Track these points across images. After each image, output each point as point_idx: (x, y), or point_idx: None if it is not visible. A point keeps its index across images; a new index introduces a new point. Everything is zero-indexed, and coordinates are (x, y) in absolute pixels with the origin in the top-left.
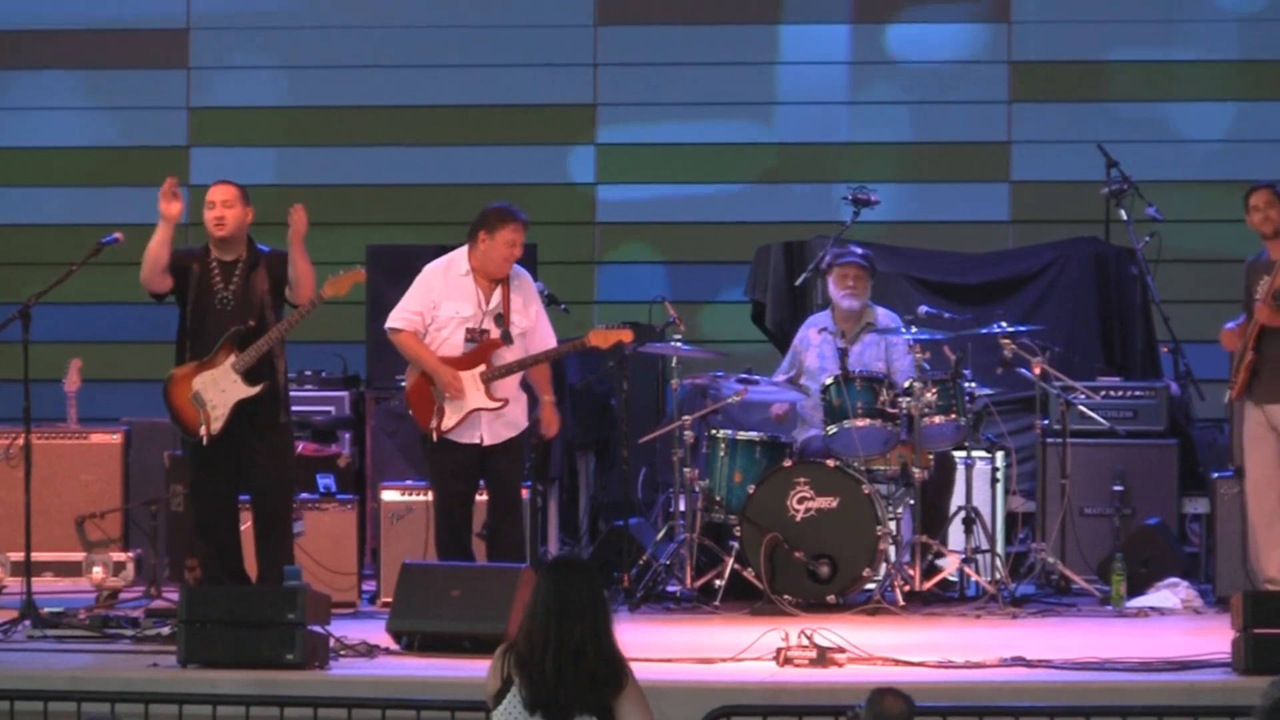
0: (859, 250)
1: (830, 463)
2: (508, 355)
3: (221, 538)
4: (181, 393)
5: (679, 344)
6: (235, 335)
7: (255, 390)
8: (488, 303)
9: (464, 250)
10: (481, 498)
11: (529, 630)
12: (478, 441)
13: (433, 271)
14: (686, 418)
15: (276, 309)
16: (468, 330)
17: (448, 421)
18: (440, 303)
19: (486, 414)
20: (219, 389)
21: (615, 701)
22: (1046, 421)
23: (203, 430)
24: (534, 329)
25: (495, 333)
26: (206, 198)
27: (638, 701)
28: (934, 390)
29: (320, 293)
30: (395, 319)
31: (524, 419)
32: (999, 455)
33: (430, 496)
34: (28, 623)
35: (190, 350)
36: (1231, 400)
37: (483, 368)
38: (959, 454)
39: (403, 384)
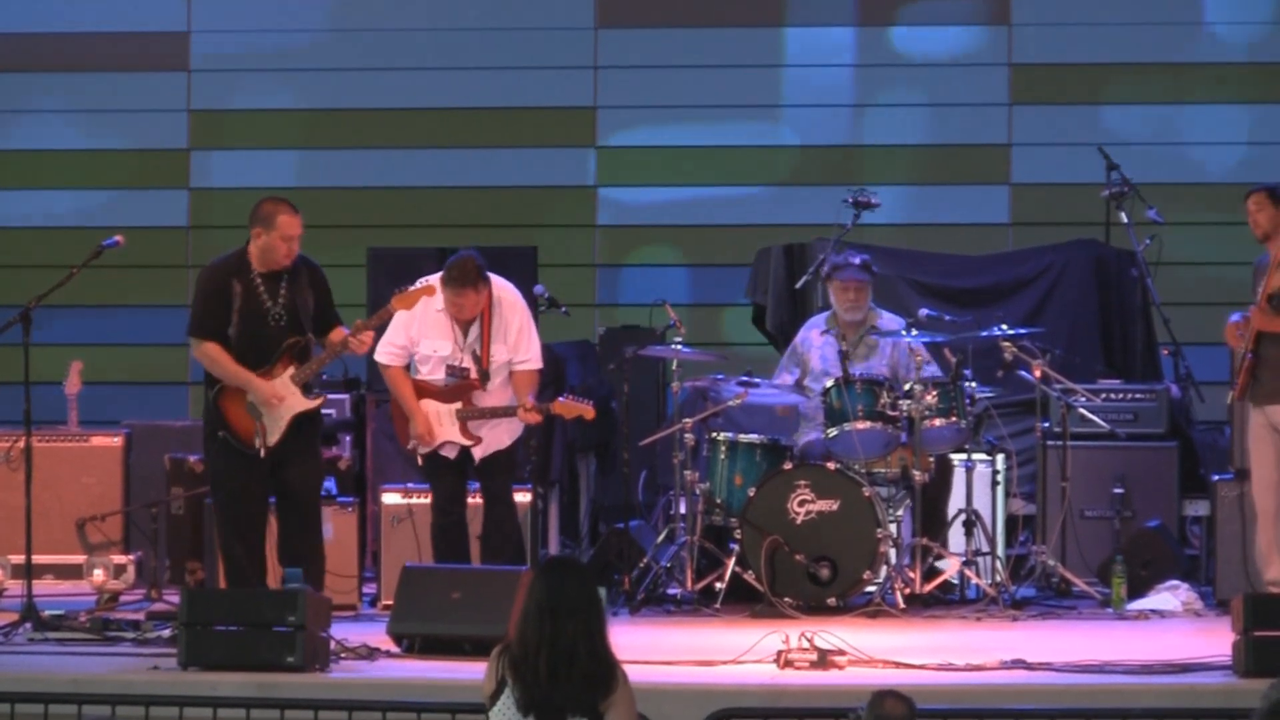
0: (856, 260)
1: (831, 465)
2: (487, 393)
3: (257, 539)
4: (238, 403)
5: (679, 347)
6: (294, 347)
7: (314, 404)
8: (465, 337)
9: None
10: (476, 500)
11: (523, 630)
12: (463, 457)
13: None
14: (687, 420)
15: (317, 323)
16: (448, 367)
17: (422, 449)
18: (419, 340)
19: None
20: (281, 404)
21: (606, 703)
22: (1047, 424)
23: (259, 442)
24: (515, 346)
25: (474, 371)
26: (288, 231)
27: (627, 706)
28: (934, 393)
29: (390, 306)
30: (380, 354)
31: (516, 430)
32: (999, 458)
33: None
34: (28, 625)
35: (245, 366)
36: (1234, 402)
37: (459, 405)
38: (959, 457)
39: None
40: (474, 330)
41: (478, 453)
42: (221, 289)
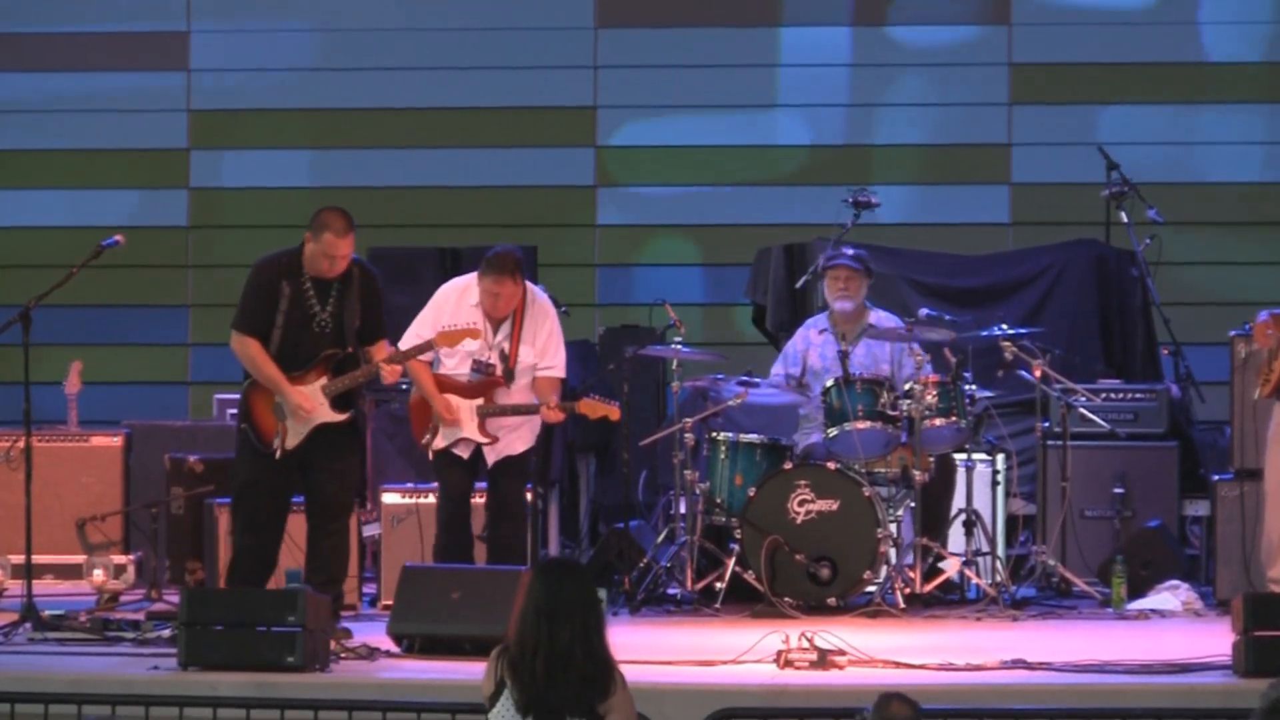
0: (849, 251)
1: (831, 465)
2: (510, 393)
3: (268, 536)
4: (265, 400)
5: (679, 346)
6: (330, 359)
7: (340, 418)
8: (494, 335)
9: (476, 284)
10: (481, 500)
11: (521, 632)
12: (477, 457)
13: (445, 295)
14: (687, 420)
15: (362, 334)
16: (474, 362)
17: (439, 442)
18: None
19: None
20: (308, 415)
21: (604, 705)
22: (1047, 424)
23: (277, 443)
24: (543, 352)
25: (499, 369)
26: (330, 250)
27: (626, 708)
28: (934, 393)
29: (432, 341)
30: (405, 343)
31: (530, 437)
32: (999, 458)
33: (434, 499)
34: (28, 625)
35: (281, 368)
36: (1264, 398)
37: (481, 401)
38: (959, 456)
39: (404, 387)
40: (504, 329)
41: (491, 455)
42: (270, 288)
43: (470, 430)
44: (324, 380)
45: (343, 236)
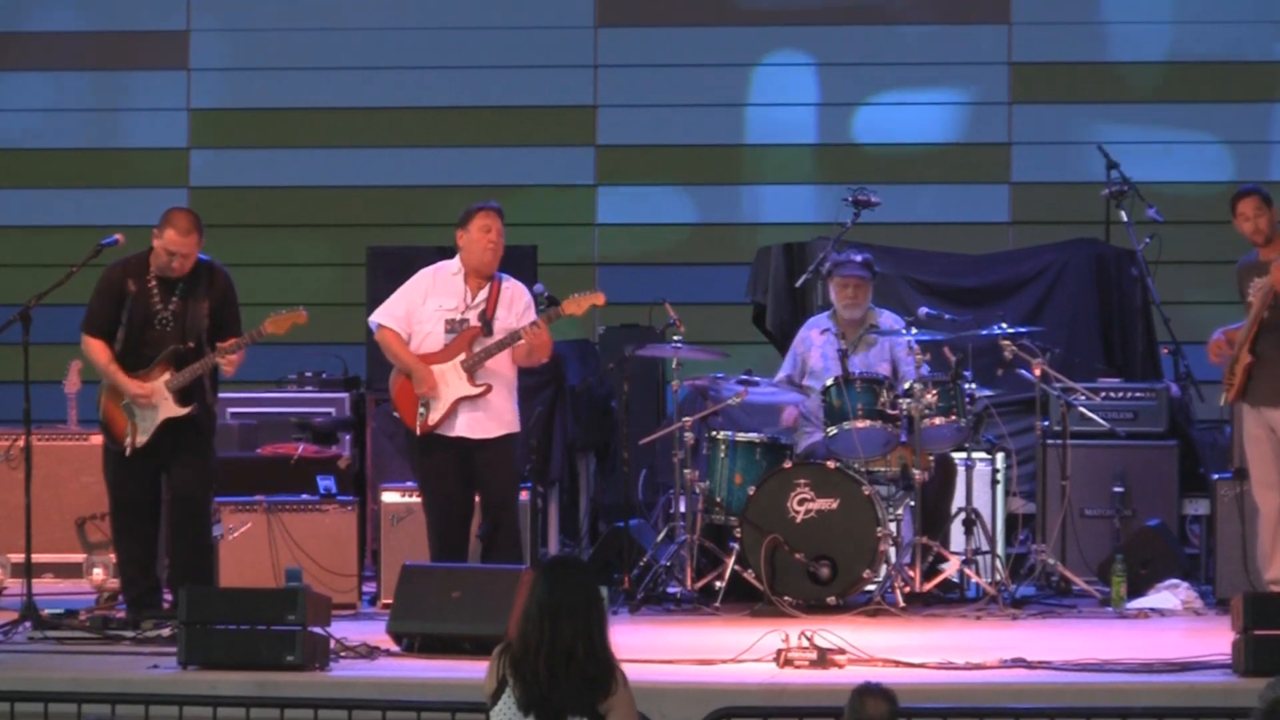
0: (858, 258)
1: (830, 464)
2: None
3: (143, 535)
4: (116, 401)
5: (679, 345)
6: (173, 354)
7: (184, 411)
8: (472, 298)
9: (457, 257)
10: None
11: (523, 630)
12: (462, 435)
13: (422, 273)
14: (687, 419)
15: (213, 331)
16: (447, 321)
17: (433, 416)
18: (426, 298)
19: (468, 406)
20: (150, 404)
21: (605, 704)
22: (1047, 423)
23: (128, 441)
24: (522, 318)
25: (475, 322)
26: (169, 246)
27: (627, 708)
28: (934, 392)
29: (260, 328)
30: (378, 315)
31: (514, 420)
32: (999, 457)
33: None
34: (28, 624)
35: (126, 366)
36: (1229, 403)
37: (463, 356)
38: (959, 455)
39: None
40: (482, 293)
41: (475, 431)
42: (116, 288)
43: (460, 388)
44: (167, 376)
45: (185, 235)
